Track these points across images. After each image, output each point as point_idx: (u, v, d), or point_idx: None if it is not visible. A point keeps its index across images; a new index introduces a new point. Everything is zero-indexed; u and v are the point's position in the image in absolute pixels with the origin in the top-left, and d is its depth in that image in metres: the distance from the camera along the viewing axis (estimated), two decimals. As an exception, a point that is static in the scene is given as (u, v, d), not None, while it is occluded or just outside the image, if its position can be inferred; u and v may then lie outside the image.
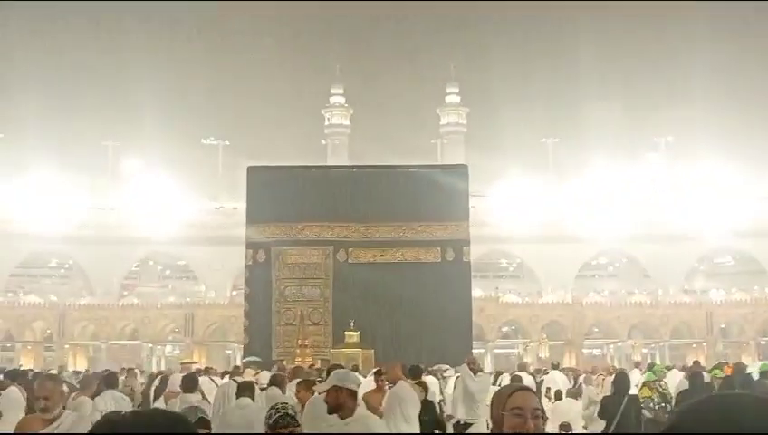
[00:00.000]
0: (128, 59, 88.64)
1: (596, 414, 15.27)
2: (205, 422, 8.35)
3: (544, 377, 25.60)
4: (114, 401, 13.38)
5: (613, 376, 17.27)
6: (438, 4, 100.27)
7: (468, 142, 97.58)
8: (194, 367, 29.15)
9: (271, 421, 6.69)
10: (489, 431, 4.34)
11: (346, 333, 26.83)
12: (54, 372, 26.55)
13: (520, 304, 66.31)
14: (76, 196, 71.23)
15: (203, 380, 17.29)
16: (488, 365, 54.90)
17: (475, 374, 16.45)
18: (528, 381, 20.60)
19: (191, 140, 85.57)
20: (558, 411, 18.01)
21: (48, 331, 65.17)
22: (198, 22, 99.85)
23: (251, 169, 16.41)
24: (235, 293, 67.22)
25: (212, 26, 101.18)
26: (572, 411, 18.08)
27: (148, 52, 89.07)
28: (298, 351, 27.20)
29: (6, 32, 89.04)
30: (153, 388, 20.89)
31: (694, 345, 63.18)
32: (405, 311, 22.84)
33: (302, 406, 10.36)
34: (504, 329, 65.87)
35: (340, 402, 7.11)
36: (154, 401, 18.26)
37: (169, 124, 80.00)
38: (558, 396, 20.44)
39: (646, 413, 15.41)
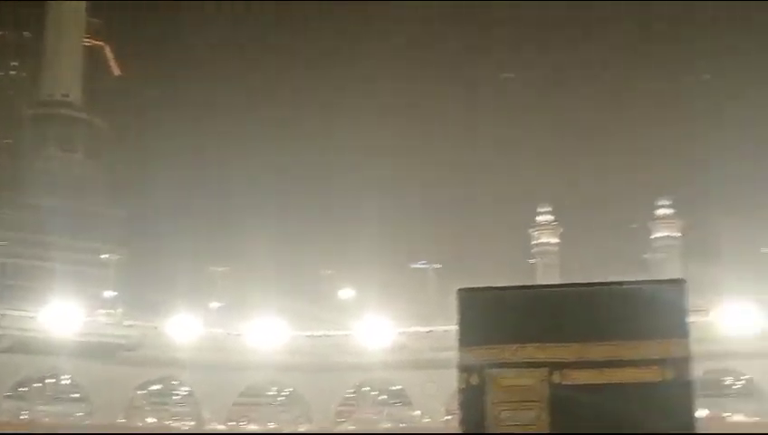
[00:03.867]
0: (341, 189, 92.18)
1: None
2: None
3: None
4: None
5: None
6: (645, 117, 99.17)
7: (684, 255, 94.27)
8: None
9: None
10: None
11: (565, 458, 25.98)
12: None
13: (749, 425, 62.23)
14: (293, 324, 73.39)
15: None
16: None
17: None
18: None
19: (402, 266, 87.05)
20: None
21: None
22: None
23: (461, 292, 16.64)
24: (449, 417, 66.62)
25: (421, 155, 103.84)
26: None
27: (357, 179, 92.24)
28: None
29: (231, 177, 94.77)
30: None
31: None
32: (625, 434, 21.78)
33: None
34: (733, 453, 61.78)
35: None
36: None
37: (381, 251, 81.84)
38: None
39: None
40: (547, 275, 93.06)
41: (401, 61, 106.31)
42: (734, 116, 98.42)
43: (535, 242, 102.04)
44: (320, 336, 74.64)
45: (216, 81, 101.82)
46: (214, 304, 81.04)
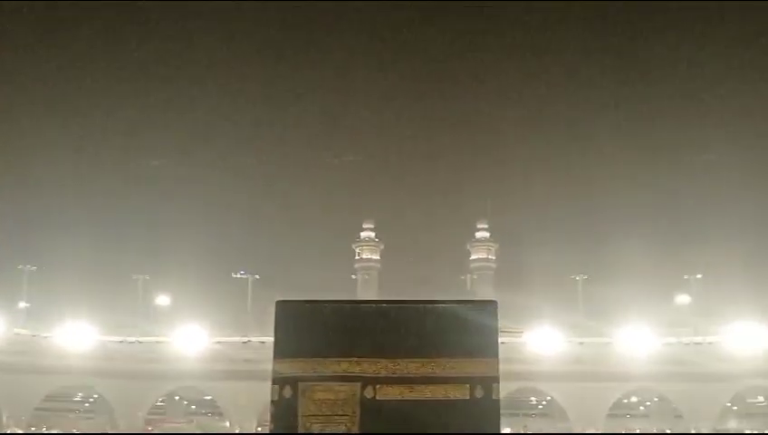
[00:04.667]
0: (160, 192, 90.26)
1: None
2: None
3: None
4: None
5: None
6: (469, 144, 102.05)
7: (498, 278, 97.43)
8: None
9: None
10: None
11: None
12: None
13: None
14: (105, 329, 71.32)
15: None
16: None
17: None
18: None
19: (221, 275, 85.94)
20: None
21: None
22: (229, 156, 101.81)
23: (279, 304, 16.77)
24: (260, 429, 66.35)
25: (241, 163, 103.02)
26: None
27: (178, 184, 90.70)
28: (323, 490, 26.59)
29: (42, 170, 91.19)
30: None
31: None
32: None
33: None
34: (534, 469, 64.35)
35: None
36: None
37: (200, 258, 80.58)
38: None
39: None
40: (367, 291, 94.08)
41: (224, 67, 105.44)
42: (550, 145, 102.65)
43: (357, 257, 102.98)
44: (132, 342, 72.87)
45: (32, 69, 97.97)
46: (20, 305, 77.73)
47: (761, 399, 73.63)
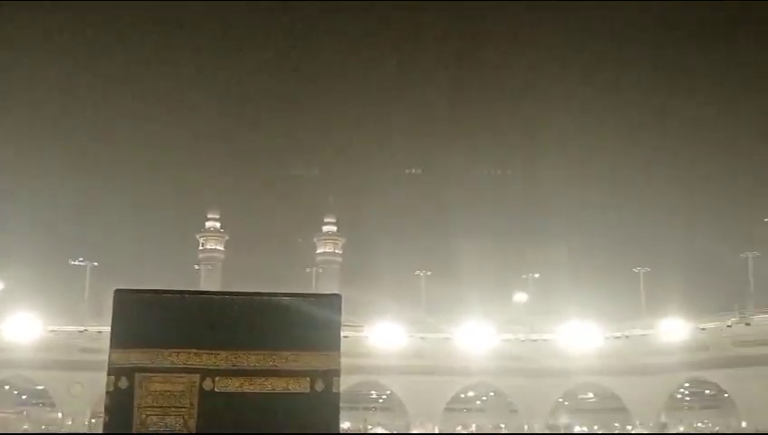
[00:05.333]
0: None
1: None
2: None
3: None
4: None
5: None
6: (316, 142, 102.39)
7: (344, 273, 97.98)
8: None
9: None
10: None
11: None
12: None
13: (389, 438, 65.70)
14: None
15: None
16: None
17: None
18: None
19: (58, 261, 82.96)
20: None
21: None
22: (71, 142, 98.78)
23: (118, 292, 16.13)
24: (94, 421, 64.52)
25: (83, 148, 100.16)
26: None
27: (14, 165, 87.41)
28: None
29: None
30: None
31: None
32: (272, 443, 21.99)
33: None
34: (372, 462, 64.95)
35: None
36: None
37: (35, 243, 77.73)
38: None
39: None
40: (210, 282, 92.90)
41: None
42: (396, 142, 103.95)
43: (201, 248, 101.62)
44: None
45: None
46: None
47: (590, 395, 76.61)
